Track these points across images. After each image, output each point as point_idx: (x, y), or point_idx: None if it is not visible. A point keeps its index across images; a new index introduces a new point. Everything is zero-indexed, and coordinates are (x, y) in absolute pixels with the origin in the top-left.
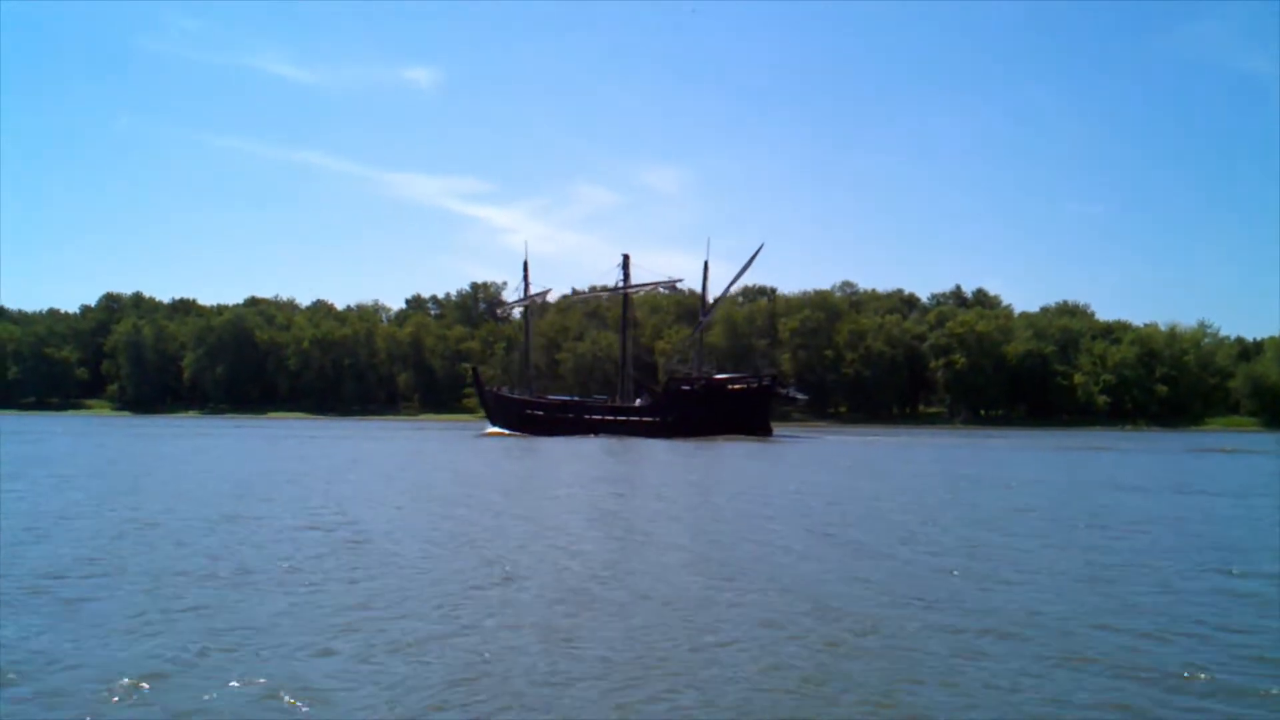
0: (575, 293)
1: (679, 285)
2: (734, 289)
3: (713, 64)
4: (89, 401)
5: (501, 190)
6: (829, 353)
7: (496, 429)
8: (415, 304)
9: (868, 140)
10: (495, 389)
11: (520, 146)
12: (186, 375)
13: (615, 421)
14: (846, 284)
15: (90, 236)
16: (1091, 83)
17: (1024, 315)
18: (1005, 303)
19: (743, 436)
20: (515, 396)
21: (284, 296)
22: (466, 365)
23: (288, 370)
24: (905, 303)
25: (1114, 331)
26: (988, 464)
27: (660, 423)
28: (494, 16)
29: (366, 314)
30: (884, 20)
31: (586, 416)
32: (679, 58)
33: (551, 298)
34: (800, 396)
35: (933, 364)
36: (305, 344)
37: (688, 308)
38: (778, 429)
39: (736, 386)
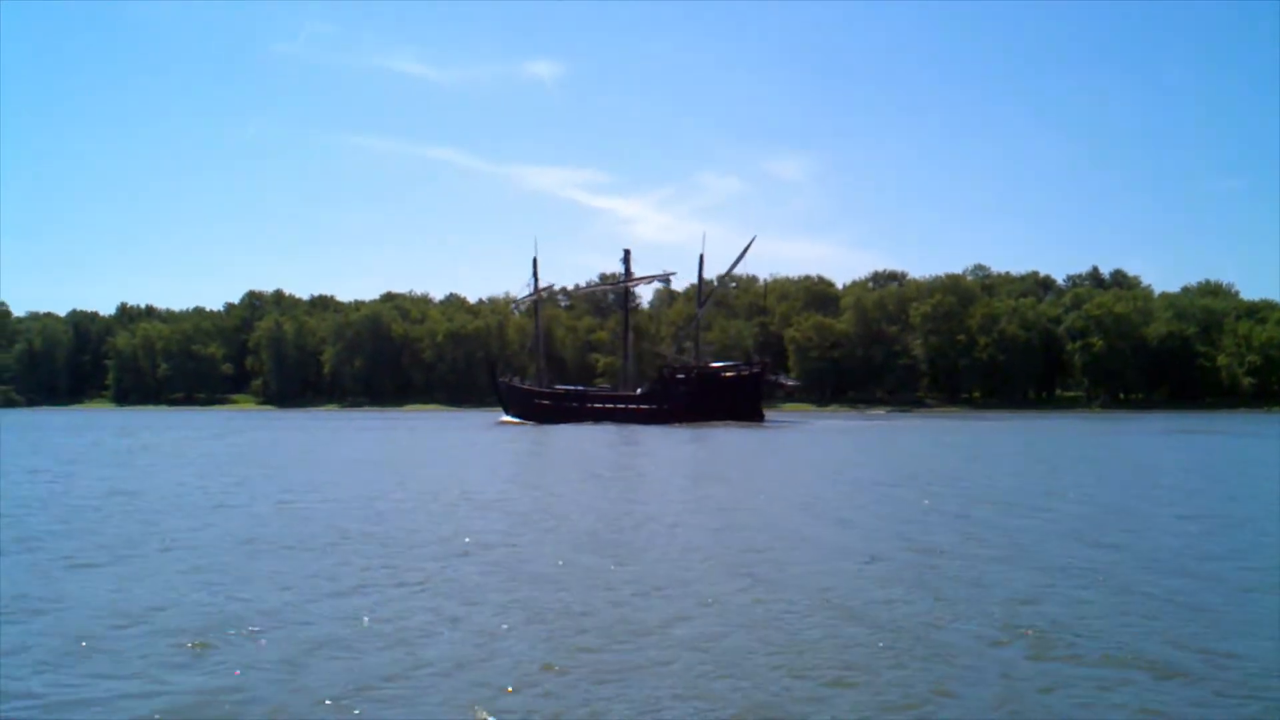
0: (577, 287)
1: (673, 278)
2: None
3: (838, 49)
4: (234, 396)
5: (626, 181)
6: (961, 337)
7: (509, 418)
8: (545, 295)
9: (998, 121)
10: (507, 380)
11: (644, 137)
12: (326, 369)
13: (615, 409)
14: (979, 267)
15: (232, 236)
16: (1228, 50)
17: (1164, 296)
18: (1145, 283)
19: (735, 423)
20: (525, 387)
21: (418, 291)
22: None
23: (423, 363)
24: (1040, 285)
25: (1259, 311)
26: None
27: (657, 410)
28: (615, 8)
29: (498, 306)
30: (1010, 1)
31: (590, 405)
32: (802, 44)
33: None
34: (792, 383)
35: (1070, 347)
36: (440, 337)
37: (818, 294)
38: (908, 414)
39: (729, 374)
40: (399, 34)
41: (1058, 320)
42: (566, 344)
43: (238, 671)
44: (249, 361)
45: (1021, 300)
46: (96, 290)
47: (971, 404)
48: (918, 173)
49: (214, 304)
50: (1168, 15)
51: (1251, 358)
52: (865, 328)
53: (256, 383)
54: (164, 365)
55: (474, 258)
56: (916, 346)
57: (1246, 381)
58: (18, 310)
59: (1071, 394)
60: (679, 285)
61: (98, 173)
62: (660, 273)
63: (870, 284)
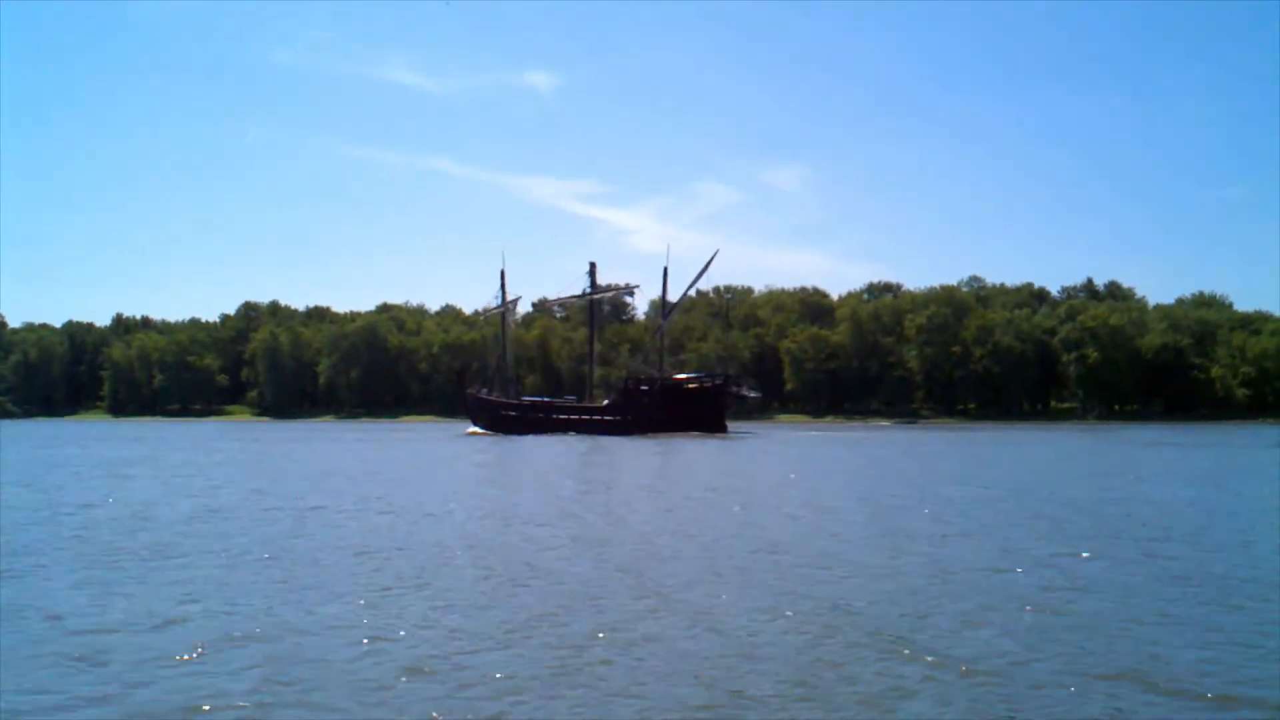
0: (545, 301)
1: (636, 290)
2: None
3: (835, 59)
4: (229, 408)
5: (623, 191)
6: (956, 349)
7: (476, 429)
8: (541, 307)
9: (994, 131)
10: (475, 391)
11: (641, 147)
12: (322, 380)
13: (580, 420)
14: (974, 279)
15: (228, 247)
16: (1224, 60)
17: (1159, 308)
18: (1139, 295)
19: (698, 434)
20: (491, 399)
21: (414, 302)
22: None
23: (419, 374)
24: (1035, 297)
25: (1254, 322)
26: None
27: (621, 421)
28: (611, 18)
29: (494, 319)
30: (1006, 10)
31: (555, 416)
32: (799, 54)
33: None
34: (752, 394)
35: (1064, 359)
36: (435, 349)
37: (813, 306)
38: (905, 426)
39: (692, 386)
40: (396, 43)
41: (1052, 332)
42: (563, 355)
43: None
44: (245, 373)
45: (1016, 312)
46: (92, 301)
47: (966, 415)
48: (914, 183)
49: (210, 315)
50: (1162, 24)
51: (1246, 369)
52: (861, 339)
53: (252, 394)
54: (160, 376)
55: (470, 269)
56: (912, 358)
57: (1241, 393)
58: (14, 321)
59: (1066, 405)
60: (672, 297)
61: (93, 182)
62: (624, 285)
63: (865, 295)
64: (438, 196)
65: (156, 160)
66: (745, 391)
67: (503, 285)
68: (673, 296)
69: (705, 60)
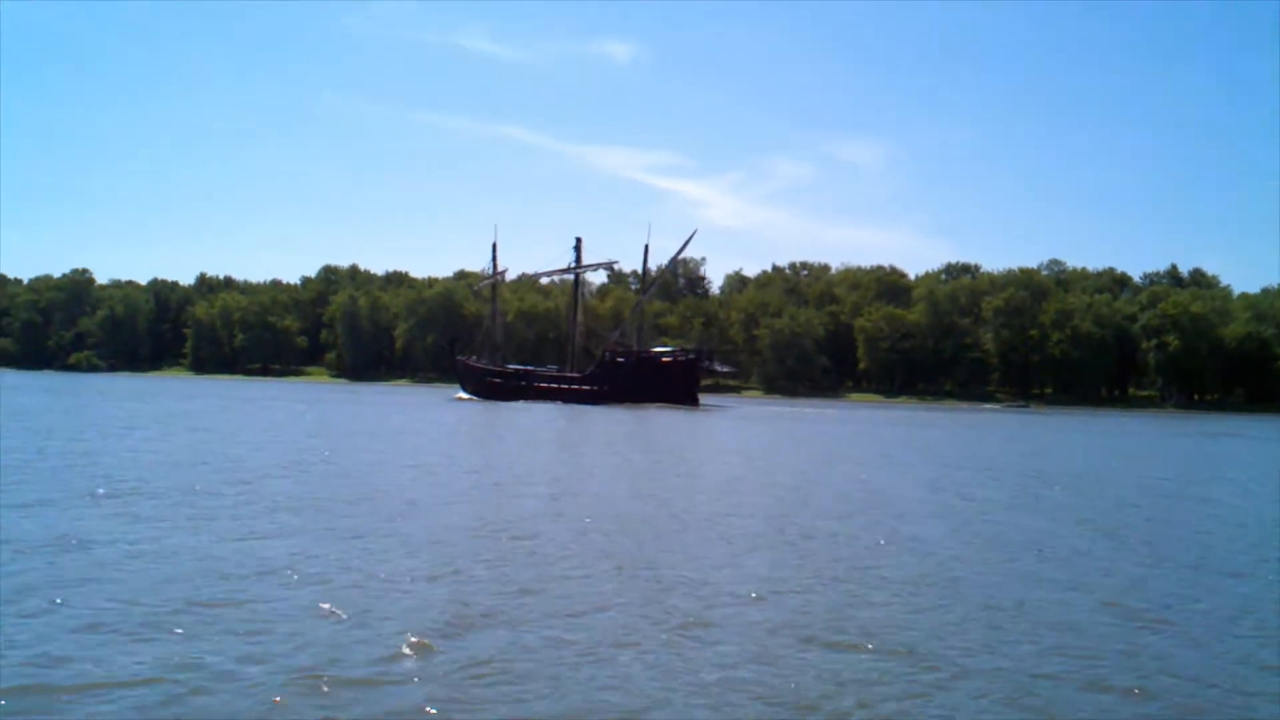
0: (529, 275)
1: (617, 266)
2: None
3: (914, 34)
4: (308, 368)
5: (697, 164)
6: (1034, 332)
7: (464, 394)
8: (615, 278)
9: (1078, 112)
10: (465, 359)
11: (716, 120)
12: (399, 345)
13: (559, 389)
14: (1054, 262)
15: (309, 210)
16: None
17: (1243, 296)
18: (1224, 283)
19: (670, 405)
20: (479, 365)
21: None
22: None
23: (490, 343)
24: (1116, 282)
25: None
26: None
27: (598, 391)
28: None
29: (569, 287)
30: None
31: (536, 384)
32: (877, 29)
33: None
34: (724, 369)
35: (1144, 345)
36: (510, 317)
37: (889, 285)
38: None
39: (666, 360)
40: (472, 11)
41: (1133, 318)
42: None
43: None
44: (324, 335)
45: (1096, 297)
46: (177, 260)
47: (1042, 399)
48: (993, 162)
49: (291, 277)
50: (1249, 4)
51: None
52: (937, 320)
53: (330, 355)
54: (241, 336)
55: (544, 238)
56: (988, 340)
57: None
58: (101, 278)
59: (1145, 393)
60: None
61: (179, 145)
62: (605, 261)
63: (943, 276)
64: (511, 164)
65: (240, 124)
66: (717, 367)
67: (494, 256)
68: (751, 272)
69: (782, 34)
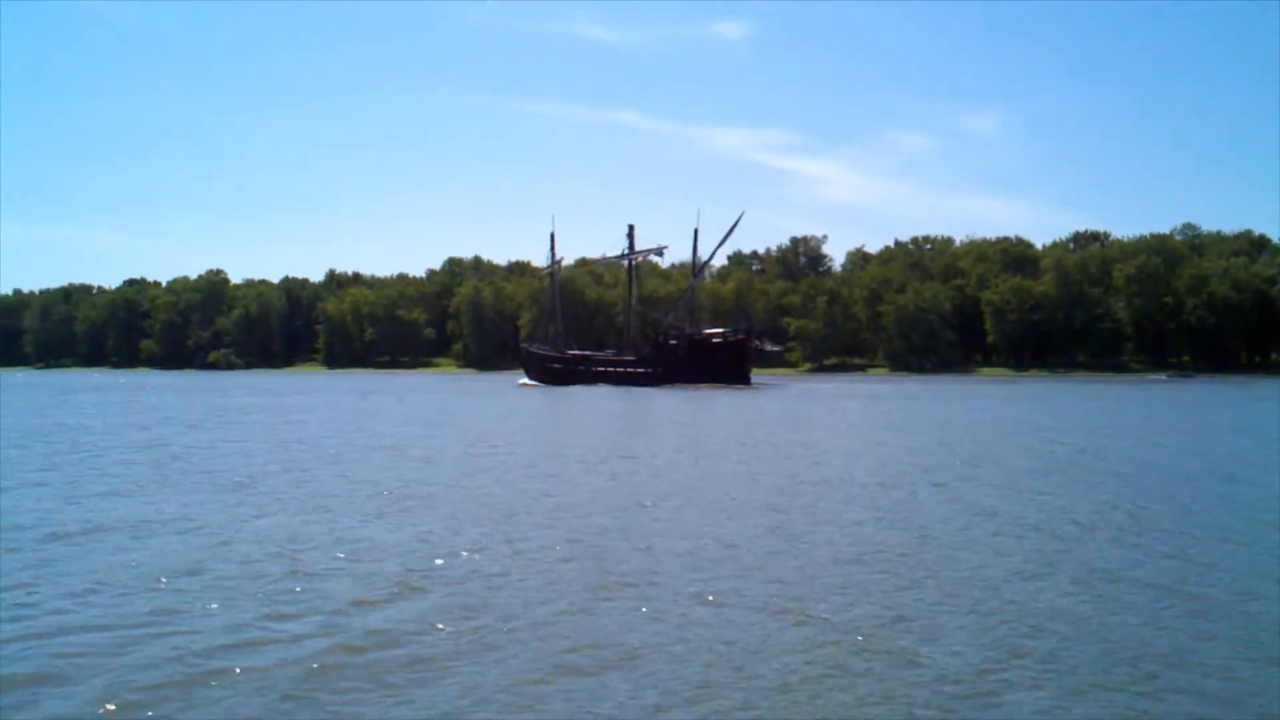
0: (585, 260)
1: (665, 251)
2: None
3: (1031, 1)
4: (435, 360)
5: (815, 141)
6: (1168, 300)
7: (527, 380)
8: (736, 260)
9: (1206, 71)
10: (527, 346)
11: (832, 96)
12: (523, 334)
13: (615, 373)
14: (1188, 226)
15: (432, 204)
16: None
17: None
18: None
19: (723, 385)
20: (540, 351)
21: (610, 254)
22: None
23: (616, 327)
24: (1254, 245)
25: None
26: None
27: (652, 373)
28: None
29: (689, 271)
30: None
31: (594, 369)
32: None
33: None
34: (772, 347)
35: None
36: (632, 301)
37: (1015, 256)
38: (1108, 379)
39: (717, 340)
40: None
41: (1273, 281)
42: (758, 308)
43: None
44: (450, 326)
45: (1233, 260)
46: (307, 258)
47: (1179, 368)
48: (1120, 127)
49: (416, 271)
50: None
51: None
52: (1066, 290)
53: (457, 346)
54: (370, 330)
55: (663, 221)
56: (1120, 309)
57: None
58: (235, 278)
59: None
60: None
61: (306, 146)
62: (655, 246)
63: (1071, 245)
64: (625, 149)
65: (363, 122)
66: (766, 345)
67: (552, 245)
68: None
69: (898, 4)
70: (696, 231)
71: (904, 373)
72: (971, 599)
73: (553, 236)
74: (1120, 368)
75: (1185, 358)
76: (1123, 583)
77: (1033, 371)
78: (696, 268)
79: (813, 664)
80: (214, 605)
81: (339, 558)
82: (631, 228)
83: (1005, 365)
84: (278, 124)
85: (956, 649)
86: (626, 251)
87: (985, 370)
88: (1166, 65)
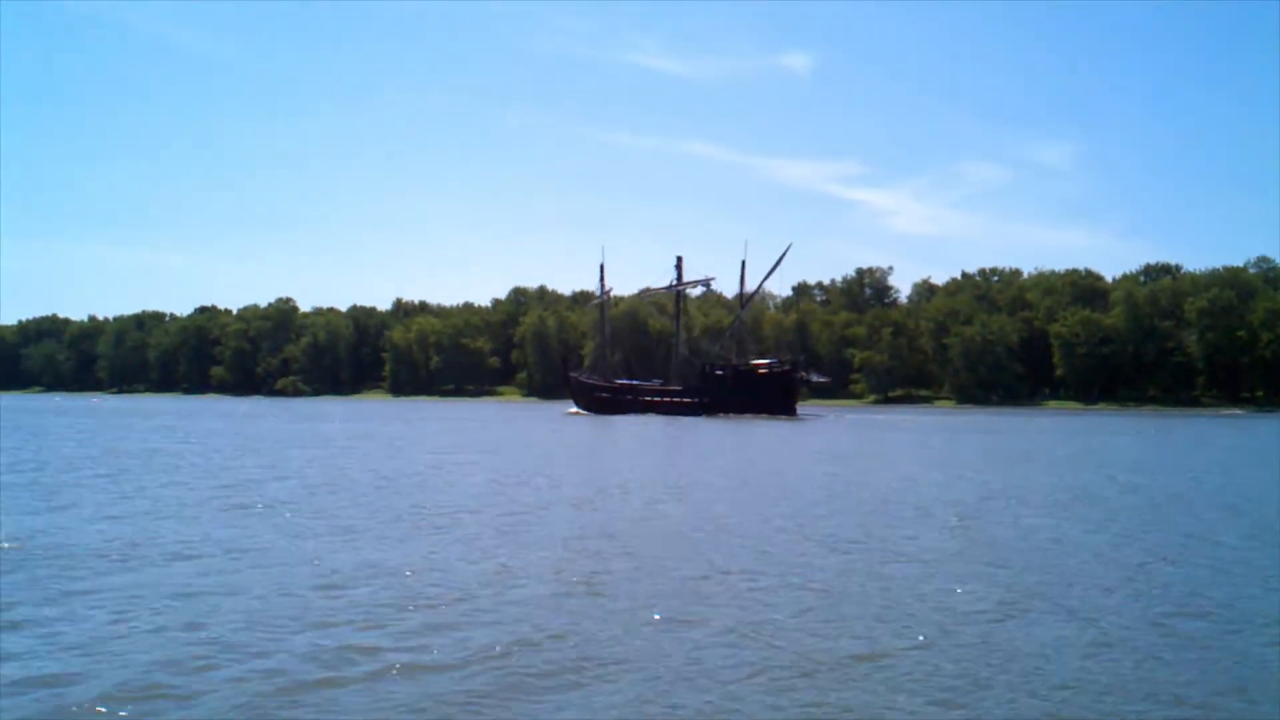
0: (641, 292)
1: (712, 282)
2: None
3: (1102, 28)
4: (500, 388)
5: (882, 172)
6: (1242, 334)
7: (575, 409)
8: (800, 291)
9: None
10: (576, 376)
11: (900, 127)
12: (586, 363)
13: (662, 402)
14: (1262, 259)
15: (498, 233)
16: None
17: None
18: None
19: (768, 415)
20: (588, 381)
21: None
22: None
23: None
24: None
25: None
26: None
27: (698, 403)
28: None
29: (754, 303)
30: None
31: (641, 398)
32: (1063, 25)
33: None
34: (821, 379)
35: None
36: (695, 332)
37: (1084, 288)
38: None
39: (763, 371)
40: (651, 29)
41: None
42: (822, 339)
43: None
44: (514, 355)
45: None
46: (374, 286)
47: (1254, 403)
48: (1192, 158)
49: (482, 300)
50: None
51: None
52: (1136, 323)
53: (521, 375)
54: (436, 358)
55: (729, 252)
56: (1192, 343)
57: None
58: (304, 305)
59: None
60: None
61: (375, 175)
62: (703, 278)
63: (1141, 277)
64: (696, 180)
65: (432, 153)
66: (814, 378)
67: (601, 277)
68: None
69: (966, 35)
70: (744, 263)
71: (970, 405)
72: None
73: (602, 267)
74: (1192, 402)
75: (1259, 392)
76: None
77: (1101, 405)
78: (744, 299)
79: None
80: None
81: None
82: (680, 259)
83: (1073, 399)
84: (350, 154)
85: None
86: (674, 283)
87: (1053, 403)
88: (1241, 97)
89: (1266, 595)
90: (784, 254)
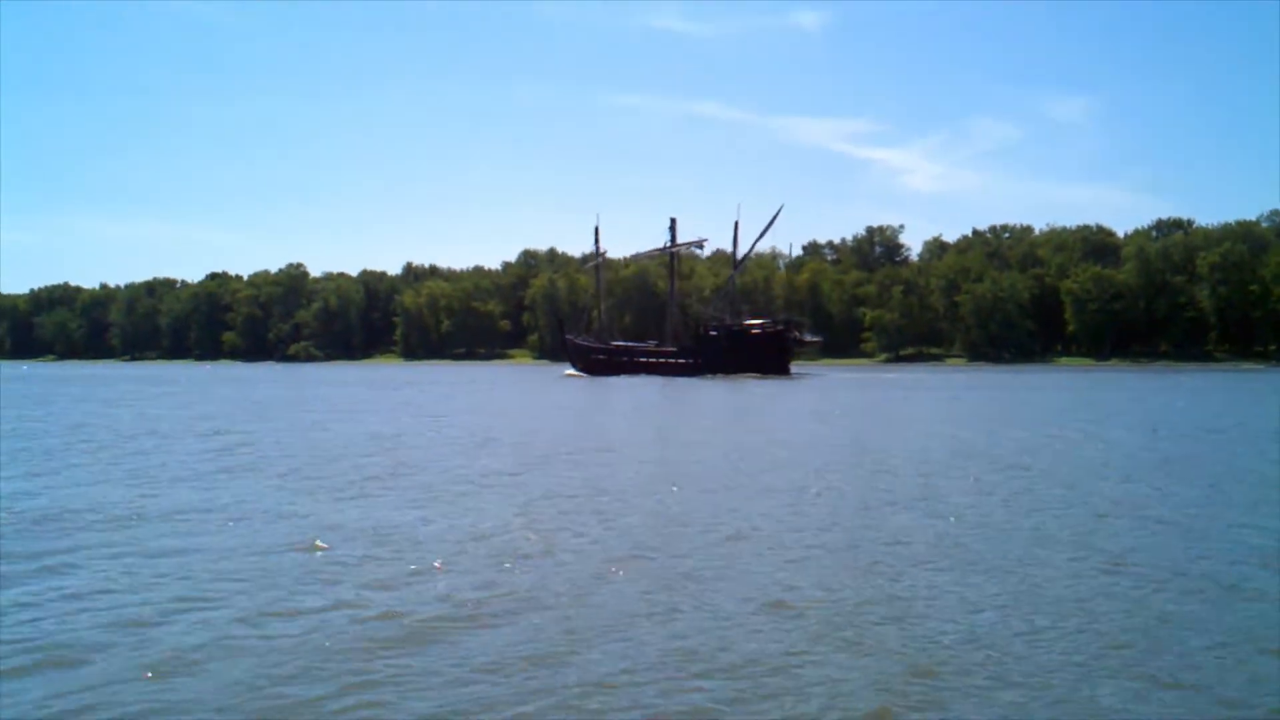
0: (632, 256)
1: (705, 244)
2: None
3: None
4: (511, 351)
5: (895, 130)
6: (1254, 288)
7: (572, 371)
8: (811, 250)
9: None
10: (572, 338)
11: (913, 84)
12: (593, 325)
13: (657, 363)
14: (1275, 212)
15: (507, 197)
16: None
17: None
18: None
19: (762, 375)
20: (584, 343)
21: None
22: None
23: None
24: None
25: None
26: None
27: (692, 364)
28: None
29: (764, 262)
30: None
31: (636, 359)
32: None
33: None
34: (814, 339)
35: None
36: (706, 293)
37: (1096, 244)
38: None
39: (756, 331)
40: None
41: None
42: (833, 299)
43: None
44: (525, 318)
45: None
46: (384, 250)
47: (1265, 357)
48: (1204, 113)
49: (492, 263)
50: None
51: None
52: (1148, 279)
53: (532, 338)
54: (446, 322)
55: (742, 213)
56: (1204, 298)
57: None
58: (314, 271)
59: None
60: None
61: (382, 139)
62: (696, 239)
63: (1153, 233)
64: (706, 141)
65: (442, 116)
66: (807, 337)
67: (596, 239)
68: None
69: None
70: (737, 224)
71: (982, 363)
72: None
73: (596, 230)
74: (1205, 357)
75: (1271, 346)
76: None
77: (1114, 361)
78: (736, 261)
79: None
80: None
81: None
82: (673, 221)
83: (1085, 355)
84: (356, 119)
85: None
86: (668, 245)
87: (1065, 360)
88: (1254, 50)
89: None
90: (775, 216)
